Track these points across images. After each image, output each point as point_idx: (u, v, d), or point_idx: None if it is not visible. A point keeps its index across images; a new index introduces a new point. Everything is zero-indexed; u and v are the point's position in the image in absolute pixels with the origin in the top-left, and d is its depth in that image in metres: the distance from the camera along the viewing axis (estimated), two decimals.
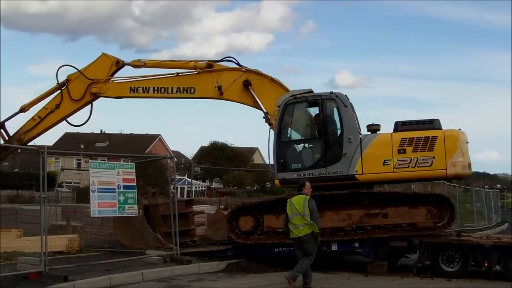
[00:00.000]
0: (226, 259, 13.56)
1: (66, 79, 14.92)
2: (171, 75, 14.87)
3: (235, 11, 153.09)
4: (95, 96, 14.95)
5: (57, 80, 14.86)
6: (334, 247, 13.13)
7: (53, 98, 15.05)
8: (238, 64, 14.58)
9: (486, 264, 12.43)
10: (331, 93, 13.52)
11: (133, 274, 11.45)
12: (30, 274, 10.38)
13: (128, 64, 15.12)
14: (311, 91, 13.95)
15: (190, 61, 14.86)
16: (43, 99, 15.17)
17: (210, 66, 14.56)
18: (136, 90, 14.85)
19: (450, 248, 12.66)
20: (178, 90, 14.65)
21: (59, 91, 14.90)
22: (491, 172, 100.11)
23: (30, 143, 15.44)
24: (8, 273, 10.37)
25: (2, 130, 15.15)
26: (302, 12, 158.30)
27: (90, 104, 15.12)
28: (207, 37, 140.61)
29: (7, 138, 15.16)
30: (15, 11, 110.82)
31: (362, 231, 13.04)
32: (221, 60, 14.76)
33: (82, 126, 15.38)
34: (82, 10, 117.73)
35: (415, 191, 18.25)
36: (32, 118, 15.10)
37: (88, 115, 15.10)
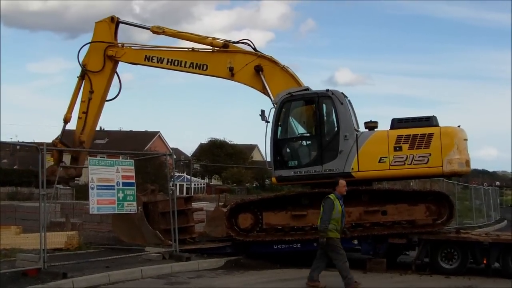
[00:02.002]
0: (225, 256, 13.57)
1: (82, 65, 14.95)
2: (187, 49, 14.92)
3: (235, 10, 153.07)
4: (114, 61, 15.08)
5: (78, 61, 14.90)
6: None
7: (83, 90, 15.09)
8: (254, 48, 14.48)
9: (485, 261, 12.45)
10: (327, 90, 13.51)
11: (132, 271, 11.47)
12: (29, 271, 10.37)
13: (123, 23, 15.22)
14: (307, 89, 13.94)
15: (208, 37, 14.82)
16: (75, 98, 15.14)
17: (225, 46, 14.52)
18: (151, 59, 14.96)
19: (449, 245, 12.67)
20: (191, 65, 14.68)
21: (83, 79, 14.97)
22: (490, 170, 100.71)
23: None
24: (7, 270, 10.39)
25: (64, 146, 15.03)
26: (302, 11, 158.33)
27: (116, 74, 15.34)
28: (207, 34, 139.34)
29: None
30: (16, 9, 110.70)
31: (361, 228, 13.05)
32: (238, 42, 14.70)
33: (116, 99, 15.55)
34: (83, 8, 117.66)
35: (414, 188, 18.24)
36: (78, 117, 15.08)
37: (119, 87, 15.47)
